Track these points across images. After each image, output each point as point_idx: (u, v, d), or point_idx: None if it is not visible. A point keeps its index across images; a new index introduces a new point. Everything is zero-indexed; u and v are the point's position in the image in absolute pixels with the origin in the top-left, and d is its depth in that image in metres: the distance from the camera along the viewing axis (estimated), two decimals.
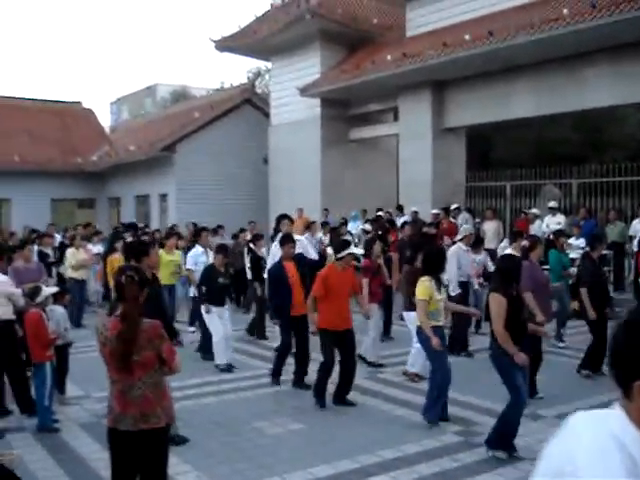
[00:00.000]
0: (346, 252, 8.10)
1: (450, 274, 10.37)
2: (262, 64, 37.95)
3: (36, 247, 14.66)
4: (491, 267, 11.27)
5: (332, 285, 7.94)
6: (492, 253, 13.43)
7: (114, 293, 4.48)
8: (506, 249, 11.11)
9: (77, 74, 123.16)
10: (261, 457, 6.37)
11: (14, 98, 34.96)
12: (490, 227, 16.78)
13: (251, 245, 13.21)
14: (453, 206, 18.46)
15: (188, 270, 11.92)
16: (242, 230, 17.09)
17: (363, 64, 21.40)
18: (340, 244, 8.63)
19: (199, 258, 11.72)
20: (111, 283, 11.76)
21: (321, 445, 6.70)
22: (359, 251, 9.82)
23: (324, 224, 18.36)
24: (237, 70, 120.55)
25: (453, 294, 10.33)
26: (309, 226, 16.64)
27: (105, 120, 56.06)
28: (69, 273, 14.49)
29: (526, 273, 7.39)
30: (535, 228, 16.36)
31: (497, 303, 6.12)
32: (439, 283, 7.39)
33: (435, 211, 18.34)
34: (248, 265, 13.20)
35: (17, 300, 8.00)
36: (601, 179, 18.09)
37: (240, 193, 28.40)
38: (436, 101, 20.41)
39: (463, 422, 7.30)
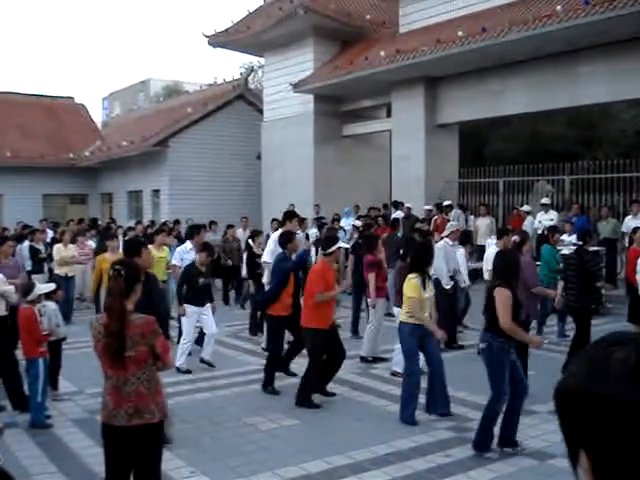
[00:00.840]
0: (335, 247, 8.03)
1: (441, 269, 10.39)
2: (255, 60, 37.85)
3: (27, 243, 14.65)
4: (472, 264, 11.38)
5: (328, 281, 7.91)
6: (484, 250, 13.49)
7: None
8: (491, 245, 11.12)
9: (69, 69, 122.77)
10: (255, 453, 6.38)
11: (6, 93, 34.81)
12: (483, 223, 16.84)
13: (249, 241, 13.07)
14: (446, 202, 18.49)
15: (173, 266, 11.71)
16: (230, 226, 17.02)
17: (356, 60, 21.40)
18: (329, 239, 8.52)
19: (185, 255, 11.49)
20: (102, 282, 11.78)
21: (314, 441, 6.71)
22: (346, 245, 9.87)
23: (318, 219, 18.35)
24: (230, 66, 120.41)
25: (447, 287, 10.36)
26: (300, 223, 16.57)
27: (97, 115, 55.91)
28: (55, 269, 14.44)
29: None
30: (527, 224, 16.42)
31: (505, 296, 6.15)
32: (425, 280, 7.35)
33: (428, 207, 18.38)
34: (245, 261, 13.14)
35: (10, 297, 8.00)
36: (594, 175, 18.14)
37: (233, 189, 28.37)
38: (429, 97, 20.42)
39: (456, 418, 7.32)
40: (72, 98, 37.47)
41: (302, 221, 16.71)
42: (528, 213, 17.03)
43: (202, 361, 9.78)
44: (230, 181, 28.40)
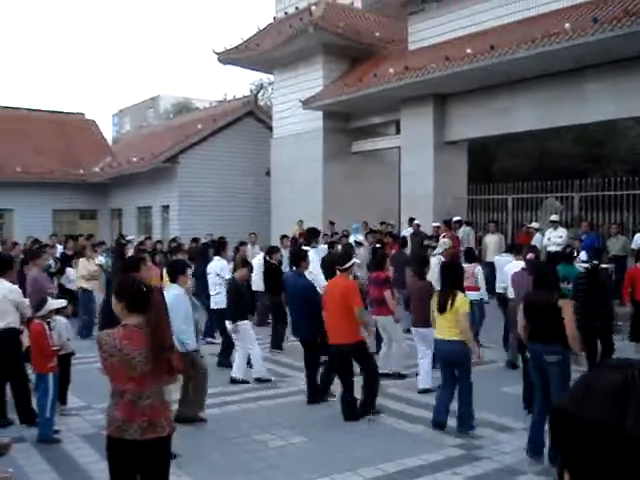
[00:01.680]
0: (352, 262, 8.16)
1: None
2: (265, 77, 38.14)
3: None
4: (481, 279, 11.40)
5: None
6: (493, 266, 13.45)
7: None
8: (508, 262, 11.05)
9: (81, 85, 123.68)
10: (263, 470, 6.36)
11: (17, 109, 35.15)
12: (492, 240, 16.81)
13: (267, 257, 13.08)
14: (455, 218, 18.50)
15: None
16: (243, 243, 16.92)
17: (365, 77, 21.50)
18: (345, 255, 8.61)
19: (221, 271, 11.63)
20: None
21: (323, 458, 6.69)
22: (358, 260, 9.89)
23: (329, 236, 18.38)
24: (240, 82, 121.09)
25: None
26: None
27: (107, 131, 56.29)
28: (80, 283, 14.44)
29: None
30: (536, 241, 16.38)
31: (571, 307, 6.45)
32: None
33: (436, 224, 18.38)
34: (261, 277, 13.14)
35: (24, 310, 8.02)
36: (602, 193, 18.10)
37: (242, 205, 28.46)
38: (438, 114, 20.48)
39: (465, 435, 7.29)
40: (83, 114, 37.76)
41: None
42: (537, 230, 17.00)
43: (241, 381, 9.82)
44: (239, 197, 28.50)
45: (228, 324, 9.84)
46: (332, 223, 20.83)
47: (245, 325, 9.72)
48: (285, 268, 13.41)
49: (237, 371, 9.78)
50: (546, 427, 6.21)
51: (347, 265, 8.09)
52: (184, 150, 28.13)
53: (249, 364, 9.99)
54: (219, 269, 11.65)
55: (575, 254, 11.73)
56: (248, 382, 9.71)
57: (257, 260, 14.11)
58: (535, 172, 22.98)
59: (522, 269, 9.07)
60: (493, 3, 18.77)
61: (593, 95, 16.67)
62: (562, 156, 25.37)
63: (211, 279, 11.80)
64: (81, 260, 14.78)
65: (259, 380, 9.68)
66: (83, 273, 14.41)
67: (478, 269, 11.62)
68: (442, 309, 7.30)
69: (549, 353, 6.40)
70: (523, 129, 19.07)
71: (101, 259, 16.70)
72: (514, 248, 11.01)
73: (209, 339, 12.82)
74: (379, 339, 10.77)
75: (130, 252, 18.31)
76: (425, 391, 8.90)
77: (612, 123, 20.06)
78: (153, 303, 4.30)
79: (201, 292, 13.41)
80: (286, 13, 25.56)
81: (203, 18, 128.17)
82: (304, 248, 11.29)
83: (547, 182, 18.98)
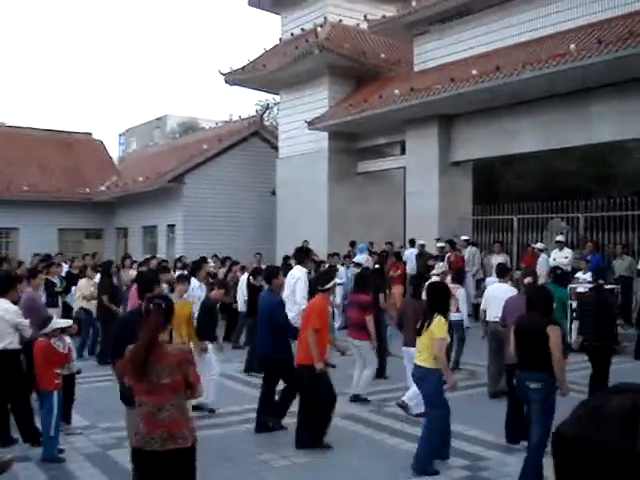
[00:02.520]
0: (333, 282, 7.95)
1: None
2: (270, 97, 38.30)
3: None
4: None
5: (325, 317, 7.79)
6: None
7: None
8: (493, 283, 10.87)
9: (88, 105, 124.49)
10: None
11: (25, 128, 35.39)
12: (497, 261, 16.75)
13: (251, 279, 12.93)
14: (463, 237, 18.50)
15: None
16: (235, 263, 16.89)
17: (371, 98, 21.60)
18: (325, 275, 8.31)
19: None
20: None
21: (328, 478, 6.64)
22: (340, 280, 9.72)
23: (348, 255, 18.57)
24: (246, 102, 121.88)
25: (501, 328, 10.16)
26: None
27: (114, 151, 56.54)
28: (82, 304, 14.40)
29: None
30: (542, 262, 16.35)
31: (558, 334, 6.18)
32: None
33: (441, 244, 18.37)
34: (245, 299, 13.06)
35: (24, 330, 7.97)
36: (608, 213, 18.07)
37: (247, 224, 28.50)
38: (443, 135, 20.54)
39: (470, 456, 7.23)
40: (90, 134, 37.99)
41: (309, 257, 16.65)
42: (542, 250, 16.98)
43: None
44: (245, 217, 28.54)
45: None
46: (353, 244, 20.75)
47: (210, 345, 9.32)
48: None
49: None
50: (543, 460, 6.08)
51: (327, 286, 7.89)
52: (190, 170, 28.22)
53: None
54: (190, 289, 11.45)
55: (566, 273, 11.55)
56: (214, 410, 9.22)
57: (242, 281, 14.08)
58: (540, 192, 22.96)
59: (520, 294, 8.72)
60: (498, 25, 18.88)
61: (598, 116, 16.70)
62: (567, 176, 25.37)
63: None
64: (82, 280, 14.73)
65: (198, 408, 8.77)
66: (84, 293, 14.35)
67: (461, 291, 11.55)
68: (419, 332, 6.94)
69: (532, 380, 6.18)
70: (528, 150, 19.10)
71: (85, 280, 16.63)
72: (499, 271, 10.66)
73: None
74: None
75: (132, 272, 18.36)
76: (422, 415, 8.47)
77: (618, 144, 20.07)
78: (155, 319, 4.50)
79: None
80: (292, 34, 25.75)
81: (210, 39, 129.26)
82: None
83: (552, 202, 18.96)
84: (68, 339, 8.19)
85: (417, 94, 19.15)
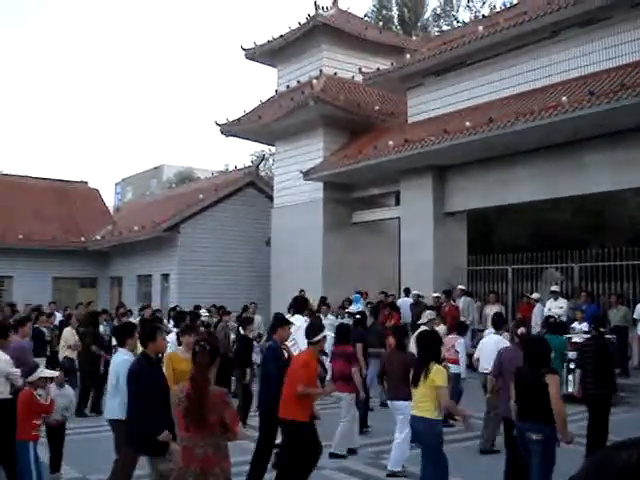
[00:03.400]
0: (322, 335, 7.61)
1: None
2: (266, 147, 38.67)
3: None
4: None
5: (311, 373, 7.40)
6: None
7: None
8: (490, 334, 10.82)
9: (84, 154, 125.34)
10: None
11: (20, 176, 35.58)
12: (492, 311, 16.70)
13: (240, 329, 12.87)
14: (460, 287, 18.48)
15: None
16: (227, 312, 16.61)
17: (365, 149, 21.78)
18: (315, 327, 7.93)
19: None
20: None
21: None
22: (330, 334, 9.62)
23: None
24: (241, 153, 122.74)
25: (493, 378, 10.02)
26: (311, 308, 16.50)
27: (110, 199, 56.75)
28: (66, 353, 14.18)
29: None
30: (537, 312, 16.33)
31: (557, 384, 6.16)
32: None
33: (436, 294, 18.34)
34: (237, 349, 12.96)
35: (16, 380, 7.87)
36: (602, 263, 18.12)
37: (242, 274, 28.46)
38: (437, 186, 20.66)
39: None
40: (86, 183, 38.14)
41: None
42: (537, 301, 16.96)
43: None
44: (239, 266, 28.52)
45: None
46: (364, 293, 20.69)
47: None
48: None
49: None
50: None
51: (316, 338, 7.48)
52: (185, 219, 28.30)
53: None
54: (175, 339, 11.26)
55: (561, 323, 11.53)
56: None
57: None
58: (535, 242, 23.02)
59: (514, 344, 8.57)
60: (491, 77, 19.17)
61: (591, 167, 16.84)
62: (562, 226, 25.47)
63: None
64: (66, 329, 14.56)
65: None
66: (69, 342, 14.16)
67: (460, 341, 11.46)
68: (415, 382, 6.81)
69: (532, 431, 6.13)
70: (522, 200, 19.20)
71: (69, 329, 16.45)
72: (494, 322, 10.64)
73: None
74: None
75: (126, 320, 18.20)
76: (393, 474, 8.25)
77: (611, 194, 20.22)
78: (202, 360, 4.78)
79: None
80: (288, 86, 26.10)
81: (207, 90, 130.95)
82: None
83: (547, 252, 19.01)
84: (54, 389, 8.13)
85: (411, 145, 19.32)
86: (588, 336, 13.12)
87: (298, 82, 25.45)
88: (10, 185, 33.22)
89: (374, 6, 42.56)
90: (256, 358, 13.05)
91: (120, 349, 7.35)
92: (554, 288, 17.01)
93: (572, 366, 12.16)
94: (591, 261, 18.81)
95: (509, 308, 18.84)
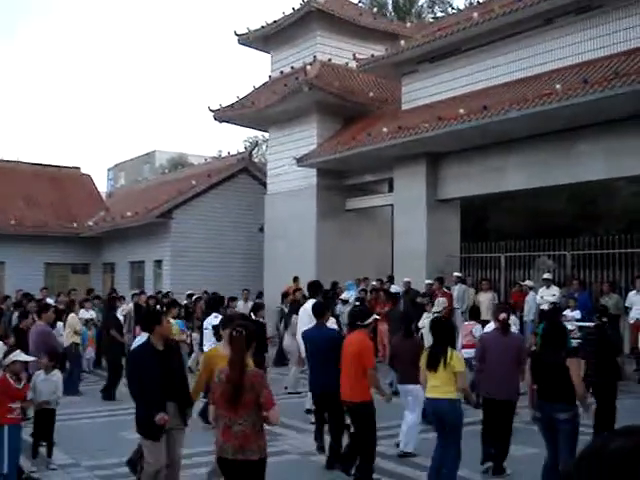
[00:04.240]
0: (372, 318, 7.98)
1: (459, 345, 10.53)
2: (259, 134, 38.53)
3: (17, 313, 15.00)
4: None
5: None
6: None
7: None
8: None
9: (77, 140, 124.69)
10: None
11: (12, 162, 35.37)
12: (485, 299, 16.77)
13: (251, 315, 12.97)
14: (456, 274, 18.49)
15: None
16: (233, 298, 16.65)
17: (359, 136, 21.73)
18: (365, 312, 8.42)
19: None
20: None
21: None
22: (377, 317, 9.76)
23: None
24: (235, 139, 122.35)
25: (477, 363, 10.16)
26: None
27: (102, 185, 56.52)
28: (72, 339, 14.27)
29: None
30: (530, 300, 16.38)
31: (578, 367, 6.65)
32: None
33: (429, 281, 18.37)
34: None
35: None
36: (595, 251, 18.17)
37: (235, 260, 28.44)
38: (431, 173, 20.64)
39: None
40: (79, 169, 37.95)
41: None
42: (531, 288, 17.01)
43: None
44: (232, 253, 28.49)
45: None
46: (363, 280, 20.77)
47: None
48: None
49: None
50: None
51: (367, 321, 7.84)
52: (178, 205, 28.23)
53: None
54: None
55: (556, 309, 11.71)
56: None
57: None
58: (528, 230, 23.07)
59: (495, 329, 8.69)
60: (486, 65, 19.13)
61: (585, 155, 16.85)
62: (555, 214, 25.51)
63: (210, 334, 11.77)
64: (71, 315, 14.68)
65: None
66: (76, 328, 14.33)
67: (477, 327, 11.58)
68: (434, 367, 7.09)
69: (559, 411, 6.48)
70: (515, 188, 19.20)
71: (92, 313, 16.61)
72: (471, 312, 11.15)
73: None
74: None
75: (124, 306, 18.30)
76: (406, 455, 8.55)
77: (604, 182, 20.25)
78: (238, 345, 5.10)
79: None
80: (282, 72, 25.99)
81: (200, 76, 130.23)
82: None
83: (539, 240, 19.05)
84: (42, 374, 8.20)
85: (405, 132, 19.29)
86: (581, 324, 13.24)
87: (292, 68, 25.34)
88: (2, 171, 33.06)
89: None
90: None
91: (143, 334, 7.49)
92: (546, 276, 17.06)
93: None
94: (583, 249, 18.86)
95: (502, 295, 18.89)
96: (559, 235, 19.22)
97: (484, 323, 11.81)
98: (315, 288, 11.41)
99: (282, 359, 16.71)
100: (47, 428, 8.29)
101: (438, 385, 7.09)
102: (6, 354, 7.75)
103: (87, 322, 16.03)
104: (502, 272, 20.02)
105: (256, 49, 27.89)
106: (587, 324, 13.23)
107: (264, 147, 39.07)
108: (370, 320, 7.88)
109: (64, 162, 40.65)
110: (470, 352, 10.88)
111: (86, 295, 19.13)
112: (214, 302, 12.71)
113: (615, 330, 15.21)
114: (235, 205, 28.90)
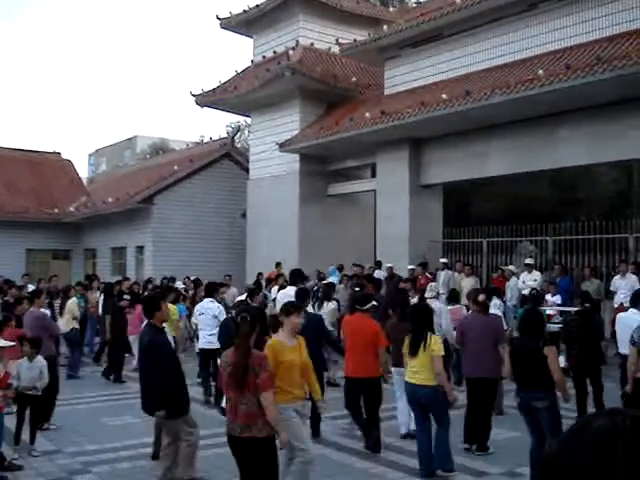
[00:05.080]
0: (371, 304, 8.49)
1: (449, 328, 10.49)
2: (242, 119, 38.34)
3: None
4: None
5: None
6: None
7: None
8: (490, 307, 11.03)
9: (56, 125, 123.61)
10: None
11: None
12: (467, 284, 16.83)
13: (248, 300, 12.95)
14: (442, 260, 18.52)
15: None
16: (222, 284, 16.57)
17: (341, 121, 21.68)
18: (366, 296, 9.03)
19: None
20: None
21: None
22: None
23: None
24: (217, 124, 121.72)
25: (459, 346, 10.11)
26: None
27: (83, 171, 56.07)
28: (72, 324, 14.28)
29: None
30: (512, 285, 16.46)
31: (555, 354, 6.65)
32: None
33: (411, 267, 18.41)
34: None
35: None
36: (576, 237, 18.29)
37: (217, 246, 28.36)
38: (413, 158, 20.65)
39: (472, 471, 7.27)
40: (59, 154, 37.63)
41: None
42: (513, 273, 17.09)
43: None
44: (214, 238, 28.41)
45: None
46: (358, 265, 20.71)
47: None
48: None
49: None
50: None
51: (368, 306, 8.43)
52: (160, 191, 28.08)
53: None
54: (217, 312, 11.67)
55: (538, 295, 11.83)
56: None
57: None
58: (510, 215, 23.18)
59: (474, 312, 8.86)
60: (468, 50, 19.13)
61: (566, 141, 16.93)
62: (536, 200, 25.65)
63: (206, 319, 11.75)
64: (70, 301, 14.74)
65: None
66: (75, 314, 14.35)
67: (465, 310, 11.61)
68: (414, 351, 7.21)
69: (537, 399, 6.52)
70: (498, 173, 19.27)
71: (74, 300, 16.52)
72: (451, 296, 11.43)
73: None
74: None
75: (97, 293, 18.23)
76: (409, 436, 8.66)
77: (586, 168, 20.36)
78: (244, 330, 5.33)
79: None
80: (264, 57, 25.85)
81: (181, 60, 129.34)
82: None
83: (521, 226, 19.14)
84: (25, 362, 8.15)
85: (387, 118, 19.26)
86: (562, 309, 13.34)
87: (274, 52, 25.20)
88: None
89: None
90: None
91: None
92: (528, 261, 17.15)
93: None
94: (565, 234, 18.98)
95: (484, 281, 18.98)
96: (541, 220, 19.32)
97: (467, 308, 11.86)
98: (296, 276, 11.75)
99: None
100: (28, 414, 8.24)
101: (417, 370, 7.20)
102: None
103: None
104: (484, 257, 20.11)
105: (238, 33, 27.71)
106: (568, 309, 13.36)
107: (246, 132, 38.90)
108: (369, 305, 8.45)
109: (44, 147, 40.33)
110: None
111: (85, 280, 19.41)
112: (210, 288, 12.84)
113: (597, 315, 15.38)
114: (217, 190, 28.79)
